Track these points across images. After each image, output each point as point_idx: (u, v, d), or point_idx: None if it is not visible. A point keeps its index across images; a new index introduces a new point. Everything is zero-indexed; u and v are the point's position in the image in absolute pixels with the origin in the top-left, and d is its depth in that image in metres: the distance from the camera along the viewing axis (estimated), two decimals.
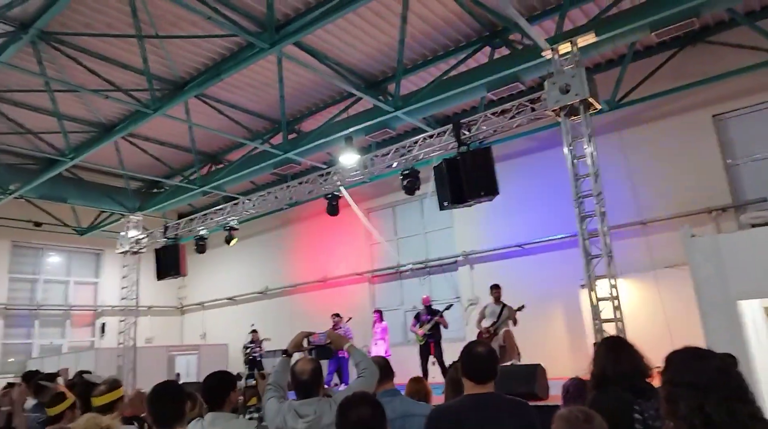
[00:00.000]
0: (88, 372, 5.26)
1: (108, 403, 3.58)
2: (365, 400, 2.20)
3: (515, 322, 8.78)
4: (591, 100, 6.61)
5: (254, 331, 12.76)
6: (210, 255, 13.70)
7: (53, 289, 16.28)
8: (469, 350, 2.72)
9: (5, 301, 14.89)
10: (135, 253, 13.10)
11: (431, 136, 8.69)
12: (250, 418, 3.49)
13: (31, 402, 4.68)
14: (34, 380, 4.96)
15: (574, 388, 3.28)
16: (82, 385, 4.17)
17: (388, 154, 9.16)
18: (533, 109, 7.54)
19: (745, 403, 1.61)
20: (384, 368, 3.27)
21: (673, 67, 9.31)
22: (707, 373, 1.66)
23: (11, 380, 6.87)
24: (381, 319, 11.16)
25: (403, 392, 3.54)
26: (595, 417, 2.03)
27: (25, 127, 10.72)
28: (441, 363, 9.44)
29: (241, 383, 3.53)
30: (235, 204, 11.46)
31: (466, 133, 8.04)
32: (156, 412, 2.80)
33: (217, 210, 11.74)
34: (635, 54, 9.28)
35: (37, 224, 15.04)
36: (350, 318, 11.27)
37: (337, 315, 11.11)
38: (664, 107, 9.78)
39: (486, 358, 2.69)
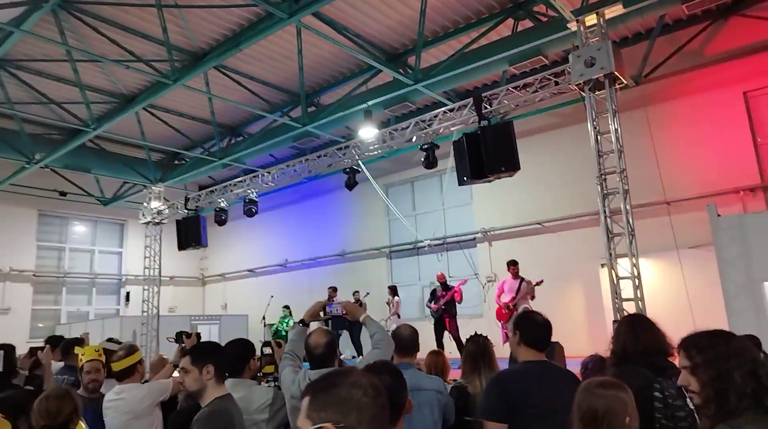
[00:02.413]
0: (115, 340, 5.41)
1: (127, 367, 3.68)
2: (386, 368, 2.19)
3: (533, 297, 8.78)
4: (617, 74, 6.41)
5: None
6: (230, 227, 13.85)
7: (79, 258, 16.73)
8: (530, 318, 2.79)
9: (34, 268, 15.35)
10: (157, 223, 13.31)
11: (451, 110, 8.56)
12: (268, 386, 3.54)
13: (57, 365, 4.83)
14: (60, 344, 5.12)
15: (594, 365, 3.28)
16: (103, 353, 4.28)
17: (407, 127, 9.07)
18: (557, 83, 7.35)
19: None
20: (408, 341, 3.27)
21: (703, 42, 8.98)
22: (744, 342, 1.71)
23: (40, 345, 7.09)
24: (394, 295, 11.29)
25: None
26: (612, 385, 2.04)
27: (48, 97, 10.85)
28: (456, 338, 9.50)
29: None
30: (254, 176, 11.51)
31: (488, 107, 7.89)
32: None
33: (237, 182, 11.81)
34: (663, 27, 8.96)
35: (63, 194, 15.35)
36: (368, 293, 11.36)
37: (334, 288, 11.33)
38: (693, 83, 9.47)
39: (546, 326, 2.75)
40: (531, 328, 2.73)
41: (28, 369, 4.60)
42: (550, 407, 2.49)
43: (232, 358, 3.21)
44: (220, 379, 2.79)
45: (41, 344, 5.09)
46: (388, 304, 11.45)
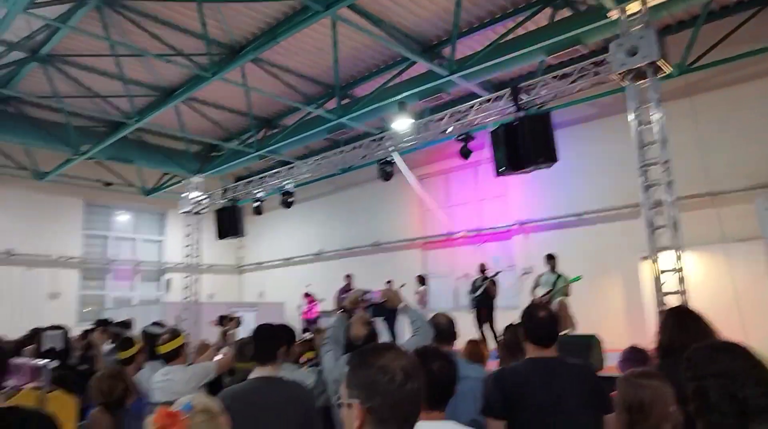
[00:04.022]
0: (160, 324, 5.62)
1: (172, 350, 3.84)
2: (439, 354, 2.18)
3: (567, 294, 8.69)
4: (660, 63, 6.22)
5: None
6: (267, 217, 14.12)
7: (122, 246, 17.37)
8: (530, 314, 2.72)
9: (81, 256, 16.00)
10: (196, 213, 13.66)
11: (487, 101, 8.47)
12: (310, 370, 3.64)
13: (106, 346, 5.07)
14: (109, 327, 5.36)
15: (632, 355, 3.23)
16: (147, 337, 4.46)
17: (442, 118, 9.02)
18: (596, 73, 7.19)
19: None
20: (446, 329, 3.30)
21: (751, 29, 8.59)
22: (735, 361, 1.63)
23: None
24: (422, 284, 11.41)
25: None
26: (653, 375, 2.05)
27: (93, 90, 11.23)
28: (492, 329, 9.47)
29: None
30: (290, 168, 11.67)
31: (525, 97, 7.78)
32: (255, 349, 2.94)
33: (273, 173, 12.00)
34: (709, 14, 8.62)
35: (107, 184, 15.94)
36: (404, 284, 11.37)
37: (348, 276, 11.71)
38: (740, 72, 9.10)
39: (548, 321, 2.68)
40: (531, 324, 2.69)
41: (81, 350, 4.84)
42: (552, 404, 2.46)
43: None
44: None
45: (90, 327, 5.34)
46: (416, 294, 11.48)
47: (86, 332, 5.10)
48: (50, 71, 10.21)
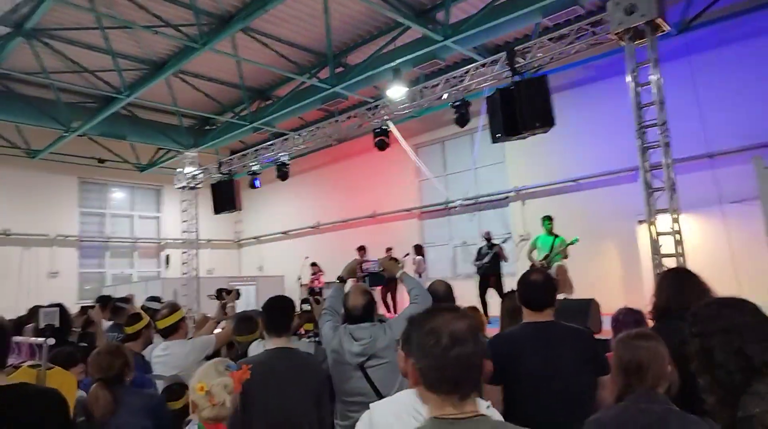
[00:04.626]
0: (157, 298, 5.63)
1: (171, 324, 3.86)
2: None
3: (566, 256, 8.72)
4: (659, 21, 6.09)
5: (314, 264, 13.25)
6: (263, 191, 14.05)
7: (120, 223, 17.36)
8: (525, 279, 2.71)
9: (78, 234, 15.98)
10: (192, 188, 13.59)
11: (483, 66, 8.33)
12: (309, 342, 3.66)
13: (106, 323, 5.08)
14: (110, 303, 5.37)
15: (624, 317, 3.23)
16: (145, 312, 4.47)
17: (437, 85, 8.89)
18: (594, 33, 7.04)
19: None
20: (445, 296, 3.31)
21: None
22: (742, 317, 1.59)
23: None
24: (417, 254, 11.45)
25: None
26: (650, 336, 2.06)
27: (81, 65, 11.01)
28: (501, 295, 9.55)
29: None
30: (285, 140, 11.56)
31: (521, 61, 7.64)
32: (268, 321, 2.97)
33: (268, 145, 11.88)
34: None
35: (101, 161, 15.82)
36: (407, 254, 11.42)
37: (362, 247, 11.64)
38: (739, 29, 8.92)
39: (542, 285, 2.67)
40: (525, 288, 2.69)
41: (80, 327, 4.86)
42: (548, 367, 2.47)
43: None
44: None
45: (90, 304, 5.34)
46: (413, 263, 11.53)
47: (84, 309, 5.10)
48: (37, 46, 9.98)
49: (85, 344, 4.29)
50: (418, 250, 11.73)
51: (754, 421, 1.40)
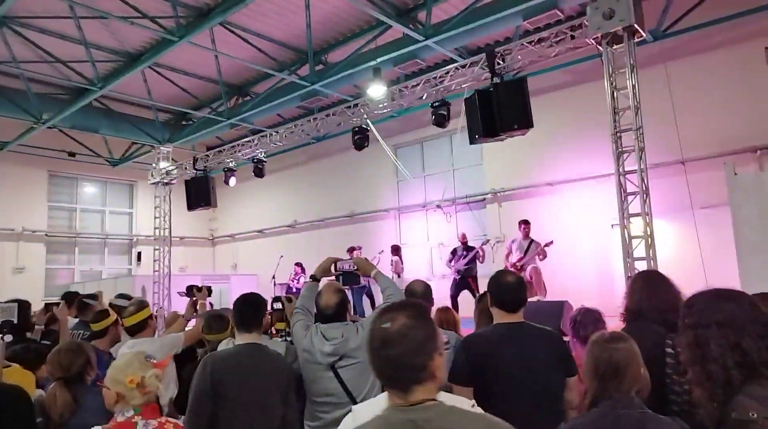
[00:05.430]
0: (125, 296, 5.48)
1: (138, 322, 3.75)
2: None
3: (543, 257, 8.79)
4: (636, 27, 6.17)
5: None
6: (239, 188, 13.85)
7: (90, 218, 16.92)
8: (497, 279, 2.70)
9: (46, 229, 15.53)
10: (166, 184, 13.32)
11: (463, 67, 8.34)
12: (282, 341, 3.59)
13: (72, 320, 4.92)
14: (76, 300, 5.20)
15: (582, 317, 3.23)
16: (113, 309, 4.35)
17: (417, 85, 8.87)
18: (573, 37, 7.10)
19: None
20: (423, 295, 3.27)
21: None
22: (741, 311, 1.54)
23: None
24: (395, 254, 11.45)
25: None
26: (625, 338, 2.04)
27: (53, 55, 10.70)
28: (477, 297, 9.59)
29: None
30: (262, 136, 11.41)
31: (501, 62, 7.67)
32: (239, 317, 2.95)
33: (245, 142, 11.72)
34: None
35: (72, 154, 15.39)
36: (381, 251, 11.41)
37: (353, 248, 11.37)
38: (714, 38, 9.13)
39: (514, 286, 2.66)
40: (497, 289, 2.69)
41: (44, 324, 4.69)
42: (520, 367, 2.47)
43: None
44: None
45: (56, 302, 5.17)
46: (391, 263, 11.51)
47: (48, 305, 4.94)
48: (7, 34, 9.66)
49: (48, 342, 4.14)
50: (395, 250, 11.71)
51: (751, 426, 1.35)
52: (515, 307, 2.63)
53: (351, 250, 11.17)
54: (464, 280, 9.81)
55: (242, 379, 2.66)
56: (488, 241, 10.29)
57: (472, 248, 9.96)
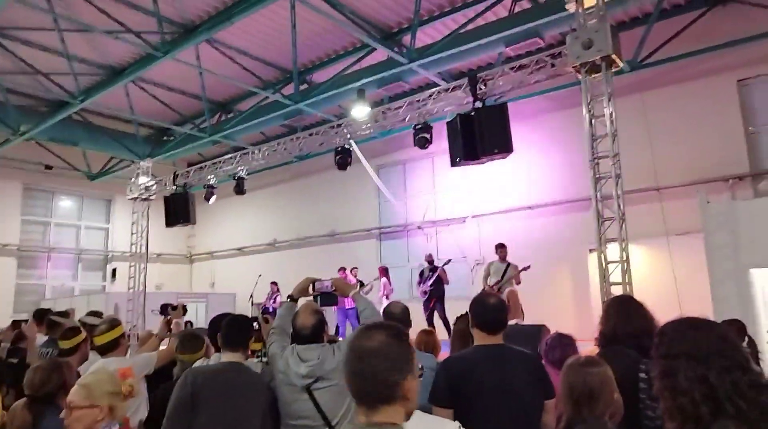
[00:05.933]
0: (96, 313, 5.35)
1: (109, 341, 3.65)
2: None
3: (518, 282, 8.83)
4: (614, 57, 6.35)
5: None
6: (219, 205, 13.73)
7: (65, 233, 16.55)
8: (480, 301, 2.70)
9: (18, 243, 15.14)
10: (145, 199, 13.12)
11: (446, 91, 8.46)
12: (258, 362, 3.52)
13: (42, 338, 4.77)
14: (46, 317, 5.05)
15: (553, 342, 3.24)
16: (83, 327, 4.24)
17: (400, 107, 8.97)
18: (553, 65, 7.27)
19: (745, 372, 1.45)
20: (400, 318, 3.25)
21: (701, 28, 8.90)
22: (708, 342, 1.50)
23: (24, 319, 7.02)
24: (383, 275, 11.27)
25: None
26: (599, 363, 2.05)
27: (34, 67, 10.58)
28: (443, 318, 9.53)
29: None
30: (244, 154, 11.37)
31: (483, 87, 7.81)
32: (227, 336, 2.97)
33: (226, 159, 11.66)
34: (661, 12, 8.88)
35: (48, 167, 15.12)
36: (377, 278, 11.23)
37: (343, 269, 11.20)
38: (688, 70, 9.44)
39: (497, 308, 2.67)
40: (480, 311, 2.68)
41: (10, 342, 4.54)
42: (500, 389, 2.46)
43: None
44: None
45: (24, 319, 5.02)
46: (381, 286, 11.35)
47: (16, 322, 4.78)
48: None
49: (14, 360, 4.01)
50: (383, 271, 11.57)
51: None
52: (497, 329, 2.63)
53: (342, 270, 11.08)
54: (429, 301, 9.79)
55: (223, 395, 2.65)
56: (450, 261, 10.24)
57: (437, 268, 9.96)
